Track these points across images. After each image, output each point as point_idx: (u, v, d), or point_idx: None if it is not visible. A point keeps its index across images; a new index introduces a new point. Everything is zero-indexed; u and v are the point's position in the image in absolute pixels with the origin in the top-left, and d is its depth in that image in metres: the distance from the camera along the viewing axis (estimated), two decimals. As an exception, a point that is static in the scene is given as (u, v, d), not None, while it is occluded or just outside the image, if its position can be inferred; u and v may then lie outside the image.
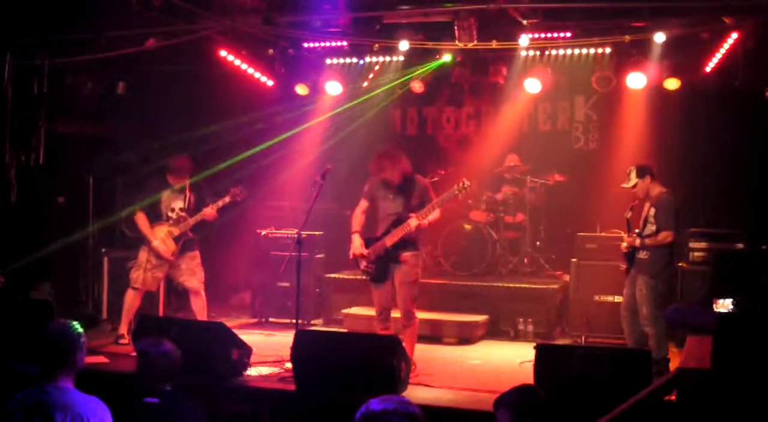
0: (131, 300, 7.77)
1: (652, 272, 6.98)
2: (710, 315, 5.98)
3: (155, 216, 7.77)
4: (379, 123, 10.92)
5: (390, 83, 9.79)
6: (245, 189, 7.84)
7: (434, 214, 6.74)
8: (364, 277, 6.97)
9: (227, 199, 7.74)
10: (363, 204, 6.97)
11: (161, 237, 7.69)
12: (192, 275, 7.82)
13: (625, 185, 7.26)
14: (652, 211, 7.03)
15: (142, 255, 7.77)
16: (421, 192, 6.80)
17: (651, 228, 7.02)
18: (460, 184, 6.71)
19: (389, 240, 6.70)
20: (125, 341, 7.61)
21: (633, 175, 7.16)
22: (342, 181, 9.24)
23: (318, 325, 9.18)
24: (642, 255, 7.04)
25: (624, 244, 7.17)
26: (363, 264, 6.80)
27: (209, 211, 7.69)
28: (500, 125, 10.62)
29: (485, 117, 10.95)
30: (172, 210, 7.78)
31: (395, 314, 6.86)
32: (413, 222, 6.60)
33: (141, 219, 7.73)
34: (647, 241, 6.97)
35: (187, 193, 7.81)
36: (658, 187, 7.13)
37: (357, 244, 6.81)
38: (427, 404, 5.41)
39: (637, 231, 7.13)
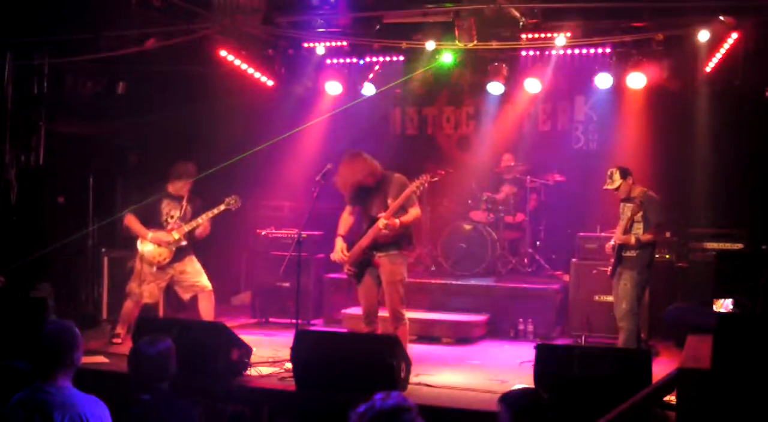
0: (131, 311, 7.72)
1: (639, 268, 7.07)
2: (710, 315, 5.98)
3: (155, 223, 7.73)
4: (379, 123, 10.91)
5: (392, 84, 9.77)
6: (239, 197, 7.80)
7: (412, 213, 6.64)
8: (350, 279, 6.95)
9: (222, 208, 7.71)
10: (348, 208, 6.96)
11: (152, 245, 7.66)
12: (199, 275, 7.80)
13: (608, 187, 7.29)
14: (641, 210, 7.03)
15: (139, 266, 7.75)
16: (397, 188, 6.67)
17: (638, 227, 7.05)
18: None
19: (365, 242, 6.68)
20: (119, 340, 7.60)
21: (616, 176, 7.20)
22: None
23: (318, 325, 9.18)
24: (631, 253, 7.08)
25: (611, 243, 7.17)
26: (345, 268, 6.81)
27: (200, 225, 7.65)
28: (500, 125, 10.63)
29: (485, 117, 10.95)
30: (172, 217, 7.76)
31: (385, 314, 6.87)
32: (381, 222, 6.53)
33: (131, 220, 7.67)
34: (643, 238, 7.01)
35: (185, 204, 7.79)
36: (639, 187, 7.16)
37: (338, 248, 6.80)
38: (427, 404, 5.41)
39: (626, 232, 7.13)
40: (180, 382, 4.56)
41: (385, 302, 6.75)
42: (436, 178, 6.93)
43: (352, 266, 6.77)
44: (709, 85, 8.93)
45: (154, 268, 7.69)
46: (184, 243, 7.74)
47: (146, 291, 7.73)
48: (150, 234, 7.64)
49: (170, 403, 4.34)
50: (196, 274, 7.80)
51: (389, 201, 6.63)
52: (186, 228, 7.68)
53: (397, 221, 6.55)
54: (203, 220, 7.68)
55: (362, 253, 6.70)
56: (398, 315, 6.67)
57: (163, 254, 7.68)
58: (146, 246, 7.68)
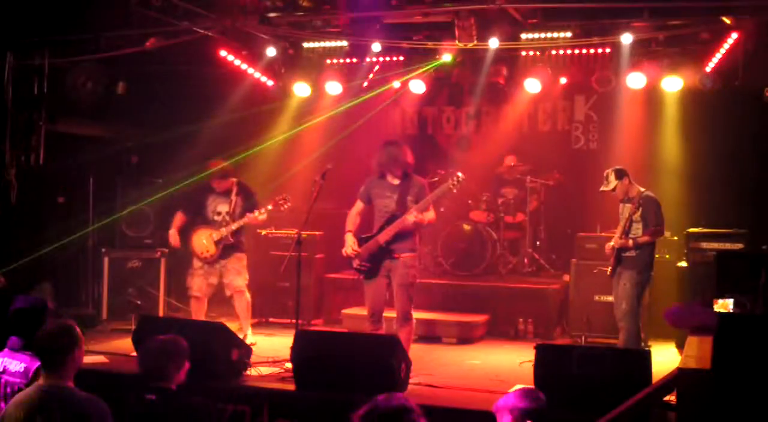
0: (196, 309, 7.83)
1: (639, 267, 7.07)
2: (710, 315, 5.98)
3: (202, 220, 7.82)
4: (379, 123, 10.91)
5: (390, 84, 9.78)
6: (290, 197, 7.83)
7: (430, 214, 6.73)
8: (358, 276, 6.94)
9: (270, 207, 7.76)
10: (358, 205, 6.97)
11: (201, 239, 7.75)
12: (238, 274, 7.85)
13: (604, 188, 7.30)
14: (639, 210, 7.04)
15: (194, 261, 7.87)
16: (417, 190, 6.76)
17: (637, 227, 7.06)
18: (455, 179, 6.72)
19: (383, 237, 6.67)
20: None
21: (612, 177, 7.21)
22: (342, 180, 9.22)
23: (318, 325, 9.17)
24: (630, 253, 7.09)
25: (610, 244, 7.17)
26: (356, 263, 6.78)
27: (253, 217, 7.71)
28: (500, 125, 10.63)
29: (485, 117, 10.96)
30: (218, 213, 7.82)
31: (389, 314, 6.86)
32: (411, 216, 6.56)
33: (176, 218, 7.90)
34: (640, 240, 7.01)
35: (233, 197, 7.82)
36: (636, 187, 7.17)
37: (350, 243, 6.78)
38: (427, 404, 5.40)
39: (625, 232, 7.14)
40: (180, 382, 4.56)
41: (393, 303, 6.76)
42: (436, 179, 6.96)
43: (365, 261, 6.75)
44: (709, 85, 8.91)
45: (202, 263, 7.77)
46: (231, 240, 7.77)
47: (195, 284, 7.82)
48: (171, 230, 7.87)
49: (176, 404, 4.34)
50: (234, 272, 7.85)
51: (409, 199, 6.70)
52: (234, 226, 7.71)
53: (423, 217, 6.65)
54: (252, 218, 7.71)
55: (378, 249, 6.70)
56: (407, 316, 6.72)
57: (210, 249, 7.74)
58: (195, 240, 7.79)
